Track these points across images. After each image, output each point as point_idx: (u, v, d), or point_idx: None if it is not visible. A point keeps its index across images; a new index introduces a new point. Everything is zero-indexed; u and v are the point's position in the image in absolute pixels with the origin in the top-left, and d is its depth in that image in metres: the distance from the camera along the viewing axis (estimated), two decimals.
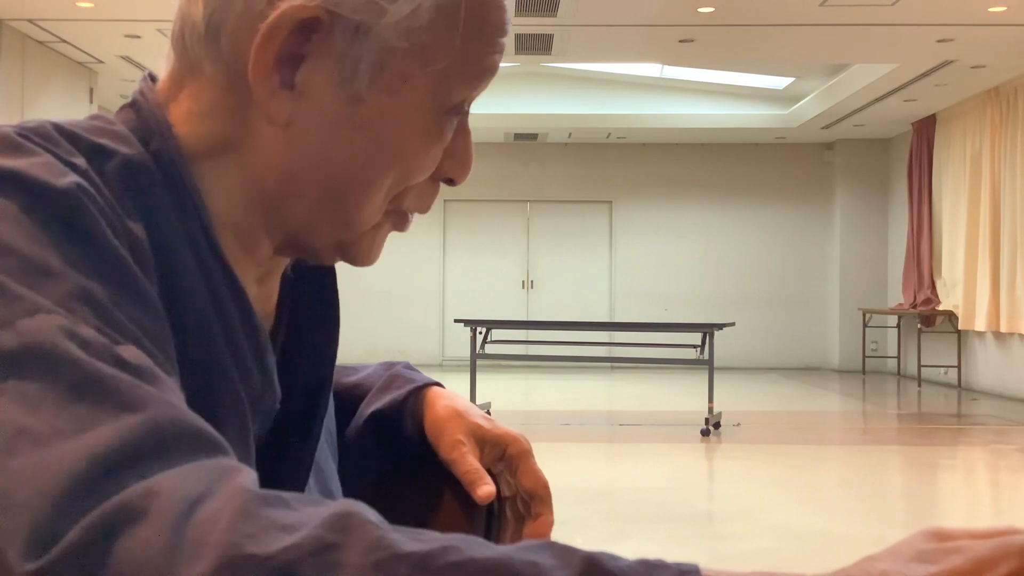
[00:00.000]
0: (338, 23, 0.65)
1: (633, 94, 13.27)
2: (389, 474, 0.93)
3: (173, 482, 0.47)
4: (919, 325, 12.26)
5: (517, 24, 8.78)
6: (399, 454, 0.92)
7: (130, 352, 0.54)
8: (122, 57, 9.84)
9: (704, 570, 0.47)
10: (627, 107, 13.27)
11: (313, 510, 0.47)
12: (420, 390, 0.92)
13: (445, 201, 14.35)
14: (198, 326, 0.65)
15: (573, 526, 4.89)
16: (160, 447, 0.49)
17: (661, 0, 8.18)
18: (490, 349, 9.02)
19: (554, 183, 14.61)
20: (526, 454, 0.90)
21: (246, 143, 0.69)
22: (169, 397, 0.52)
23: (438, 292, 14.61)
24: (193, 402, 0.56)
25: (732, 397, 10.24)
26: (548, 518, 0.89)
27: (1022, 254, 10.28)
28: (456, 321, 9.24)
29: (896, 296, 13.40)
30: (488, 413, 0.92)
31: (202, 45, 0.68)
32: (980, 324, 11.01)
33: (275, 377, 0.72)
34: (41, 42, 9.26)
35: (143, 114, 0.69)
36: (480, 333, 8.76)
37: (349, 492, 0.86)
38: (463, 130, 0.73)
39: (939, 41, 9.09)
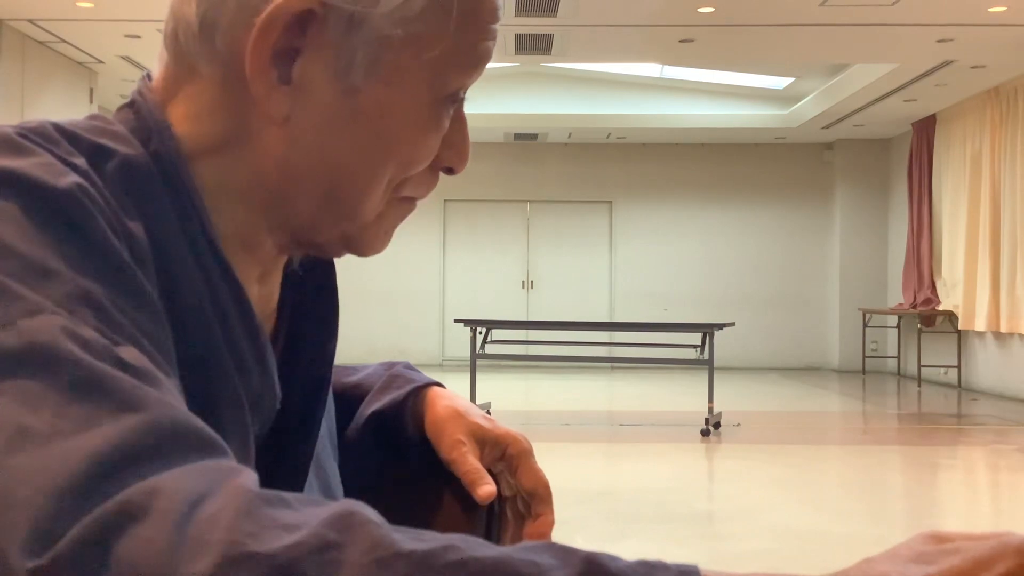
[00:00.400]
0: (332, 15, 0.65)
1: (633, 94, 13.27)
2: (389, 474, 0.93)
3: (174, 482, 0.47)
4: (919, 325, 12.26)
5: (517, 24, 8.78)
6: (399, 454, 0.92)
7: (130, 353, 0.54)
8: (122, 57, 9.85)
9: (703, 571, 0.47)
10: (627, 107, 13.28)
11: (314, 510, 0.48)
12: (420, 390, 0.92)
13: (445, 201, 14.35)
14: (198, 326, 0.65)
15: (573, 526, 4.89)
16: (160, 447, 0.49)
17: (661, 0, 8.18)
18: (490, 349, 9.02)
19: (554, 183, 14.62)
20: (526, 454, 0.90)
21: (245, 141, 0.69)
22: (168, 398, 0.52)
23: (438, 292, 14.61)
24: (193, 402, 0.56)
25: (732, 397, 10.24)
26: (548, 518, 0.89)
27: (1022, 254, 10.28)
28: (456, 321, 9.24)
29: (896, 296, 13.40)
30: (488, 413, 0.92)
31: (197, 44, 0.68)
32: (980, 324, 11.01)
33: (275, 377, 0.72)
34: (41, 42, 9.26)
35: (142, 114, 0.69)
36: (480, 333, 8.76)
37: (349, 492, 0.86)
38: (459, 119, 0.73)
39: (939, 41, 9.09)
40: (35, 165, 0.58)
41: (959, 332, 11.70)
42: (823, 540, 4.79)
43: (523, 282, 14.69)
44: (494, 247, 14.65)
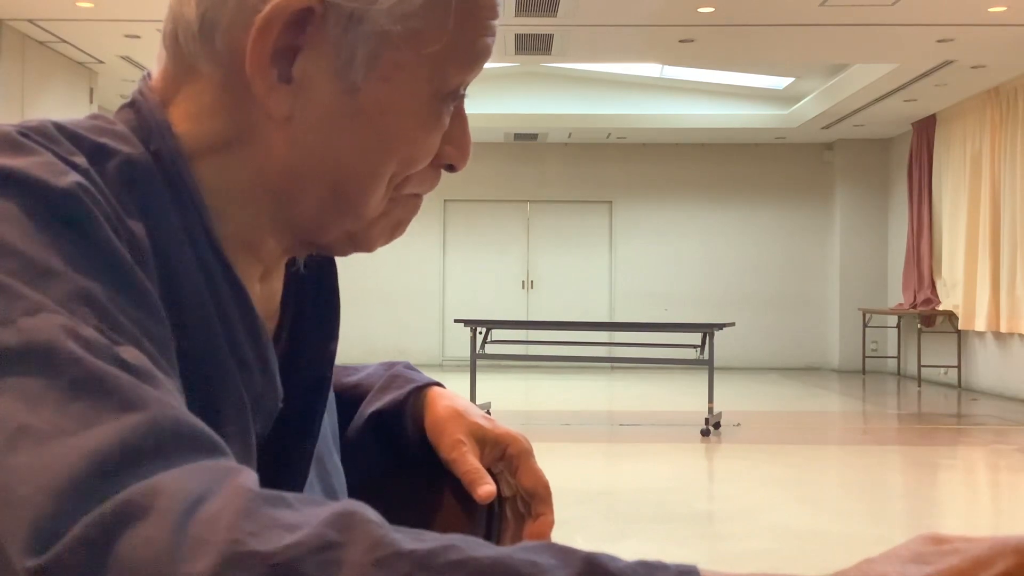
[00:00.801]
0: (331, 12, 0.66)
1: (633, 94, 13.27)
2: (389, 474, 0.93)
3: (175, 481, 0.47)
4: (919, 325, 12.26)
5: (517, 24, 8.78)
6: (399, 454, 0.92)
7: (130, 353, 0.54)
8: (122, 57, 9.85)
9: (703, 571, 0.47)
10: (627, 107, 13.28)
11: (314, 510, 0.48)
12: (420, 390, 0.92)
13: (445, 201, 14.35)
14: (199, 325, 0.65)
15: (573, 526, 4.89)
16: (161, 447, 0.49)
17: (661, 0, 8.18)
18: (490, 349, 9.02)
19: (554, 183, 14.62)
20: (526, 454, 0.90)
21: (247, 140, 0.69)
22: (169, 398, 0.53)
23: (438, 292, 14.61)
24: (194, 401, 0.56)
25: (732, 397, 10.24)
26: (548, 518, 0.89)
27: (1022, 254, 10.28)
28: (456, 321, 9.24)
29: (896, 296, 13.40)
30: (488, 413, 0.92)
31: (197, 44, 0.68)
32: (980, 324, 11.01)
33: (277, 376, 0.72)
34: (41, 42, 9.26)
35: (143, 114, 0.69)
36: (480, 333, 8.76)
37: (350, 492, 0.86)
38: (460, 116, 0.73)
39: (939, 41, 9.09)
40: (36, 164, 0.58)
41: (959, 332, 11.70)
42: (823, 540, 4.79)
43: (523, 282, 14.69)
44: (494, 247, 14.65)
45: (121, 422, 0.49)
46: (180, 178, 0.67)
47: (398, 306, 14.39)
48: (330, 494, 0.81)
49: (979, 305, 11.04)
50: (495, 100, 12.72)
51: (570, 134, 14.00)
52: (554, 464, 5.80)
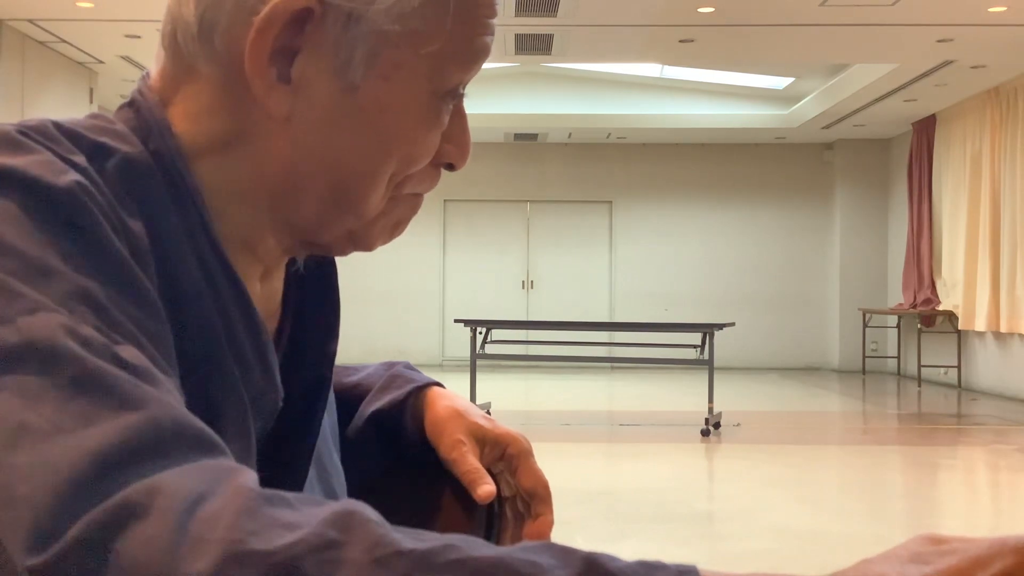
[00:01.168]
0: (330, 12, 0.66)
1: (633, 94, 13.27)
2: (389, 474, 0.93)
3: (175, 480, 0.47)
4: (919, 325, 12.26)
5: (517, 24, 8.78)
6: (399, 454, 0.92)
7: (129, 352, 0.54)
8: (122, 57, 9.85)
9: (702, 571, 0.47)
10: (627, 107, 13.28)
11: (314, 509, 0.48)
12: (420, 390, 0.92)
13: (445, 201, 14.35)
14: (199, 324, 0.65)
15: (573, 526, 4.89)
16: (160, 446, 0.49)
17: (661, 0, 8.18)
18: (490, 349, 9.02)
19: (554, 183, 14.62)
20: (526, 454, 0.90)
21: (247, 140, 0.69)
22: (168, 397, 0.53)
23: (438, 292, 14.61)
24: (194, 400, 0.56)
25: (732, 397, 10.24)
26: (548, 518, 0.89)
27: (1022, 254, 10.28)
28: (456, 321, 9.24)
29: (896, 296, 13.40)
30: (488, 413, 0.92)
31: (196, 45, 0.68)
32: (980, 324, 11.01)
33: (277, 375, 0.72)
34: (41, 42, 9.26)
35: (142, 113, 0.69)
36: (480, 333, 8.76)
37: (350, 492, 0.86)
38: (459, 114, 0.73)
39: (939, 41, 9.09)
40: (35, 163, 0.58)
41: (959, 332, 11.70)
42: (823, 540, 4.79)
43: (523, 282, 14.69)
44: (494, 247, 14.65)
45: (121, 421, 0.49)
46: (180, 177, 0.67)
47: (398, 306, 14.39)
48: (330, 494, 0.81)
49: (979, 305, 11.04)
50: (495, 100, 12.73)
51: (570, 134, 14.00)
52: (554, 464, 5.80)
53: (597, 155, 14.57)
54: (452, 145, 0.73)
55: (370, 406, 0.92)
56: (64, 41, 9.29)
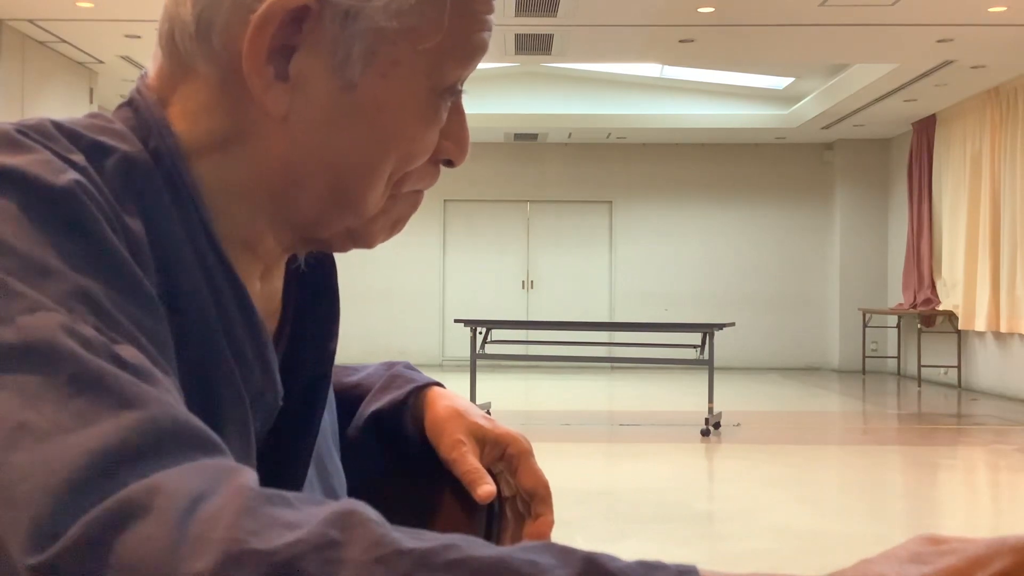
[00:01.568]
0: (327, 9, 0.66)
1: (633, 94, 13.27)
2: (389, 474, 0.93)
3: (175, 480, 0.47)
4: (919, 325, 12.26)
5: (517, 24, 8.78)
6: (399, 454, 0.92)
7: (128, 351, 0.54)
8: (122, 57, 9.85)
9: (702, 570, 0.47)
10: (627, 107, 13.28)
11: (314, 508, 0.48)
12: (420, 390, 0.92)
13: (445, 201, 14.36)
14: (198, 324, 0.65)
15: (573, 526, 4.89)
16: (160, 445, 0.49)
17: (661, 0, 8.18)
18: (490, 349, 9.02)
19: (554, 183, 14.62)
20: (526, 454, 0.90)
21: (245, 139, 0.69)
22: (167, 397, 0.53)
23: (438, 292, 14.61)
24: (193, 399, 0.56)
25: (732, 397, 10.25)
26: (548, 518, 0.89)
27: (1022, 254, 10.28)
28: (456, 321, 9.24)
29: (896, 296, 13.40)
30: (488, 413, 0.92)
31: (194, 44, 0.68)
32: (980, 324, 11.01)
33: (276, 374, 0.72)
34: (41, 42, 9.26)
35: (141, 112, 0.69)
36: (480, 333, 8.76)
37: (350, 492, 0.86)
38: (458, 111, 0.73)
39: (939, 41, 9.09)
40: (34, 162, 0.58)
41: (959, 332, 11.70)
42: (823, 540, 4.79)
43: (523, 282, 14.69)
44: (494, 247, 14.65)
45: (120, 420, 0.49)
46: (179, 176, 0.67)
47: (398, 306, 14.39)
48: (330, 494, 0.81)
49: (979, 305, 11.04)
50: (495, 100, 12.72)
51: (570, 134, 14.00)
52: (554, 464, 5.79)
53: (597, 155, 14.57)
54: (451, 142, 0.73)
55: (370, 406, 0.92)
56: (64, 41, 9.29)
